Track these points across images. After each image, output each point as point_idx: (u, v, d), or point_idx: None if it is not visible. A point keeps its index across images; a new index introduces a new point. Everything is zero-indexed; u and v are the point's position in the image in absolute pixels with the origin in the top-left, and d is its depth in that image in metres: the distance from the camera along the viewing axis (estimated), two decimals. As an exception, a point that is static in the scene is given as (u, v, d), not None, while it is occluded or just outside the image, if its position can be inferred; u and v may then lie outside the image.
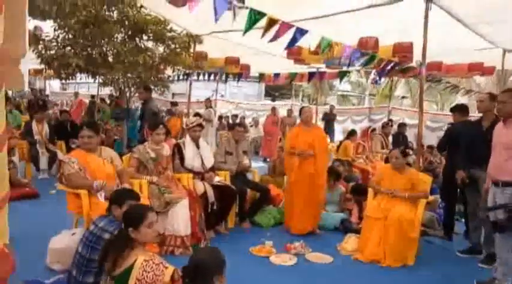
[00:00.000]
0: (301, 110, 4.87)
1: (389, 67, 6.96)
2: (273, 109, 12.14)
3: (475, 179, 3.98)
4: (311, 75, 10.71)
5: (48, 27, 7.14)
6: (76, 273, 2.62)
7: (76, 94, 16.13)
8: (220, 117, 13.90)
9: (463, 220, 5.39)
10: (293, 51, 7.16)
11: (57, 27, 6.72)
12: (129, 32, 6.99)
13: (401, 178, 4.12)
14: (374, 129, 8.31)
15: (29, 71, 12.77)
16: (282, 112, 13.31)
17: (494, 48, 7.15)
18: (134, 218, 2.27)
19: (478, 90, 13.19)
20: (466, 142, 4.15)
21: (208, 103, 10.74)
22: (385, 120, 11.26)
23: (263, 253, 3.88)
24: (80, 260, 2.64)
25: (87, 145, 3.53)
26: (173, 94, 18.25)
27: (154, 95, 7.78)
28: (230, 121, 14.47)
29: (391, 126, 8.88)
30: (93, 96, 14.90)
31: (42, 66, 7.07)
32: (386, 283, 3.47)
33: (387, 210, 3.96)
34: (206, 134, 9.25)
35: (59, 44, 6.80)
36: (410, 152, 7.37)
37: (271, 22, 4.29)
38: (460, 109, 4.84)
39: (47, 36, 6.91)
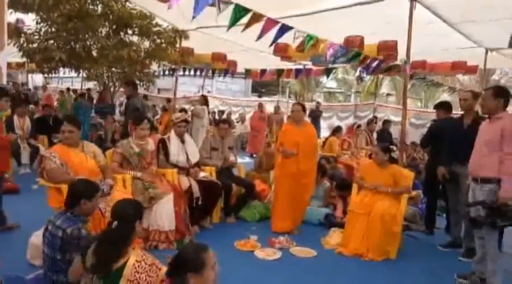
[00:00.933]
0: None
1: (374, 65, 7.03)
2: (260, 105, 12.15)
3: (455, 175, 4.06)
4: (298, 72, 10.76)
5: (30, 20, 7.00)
6: (49, 272, 2.59)
7: (44, 88, 15.83)
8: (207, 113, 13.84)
9: (444, 215, 5.51)
10: (280, 47, 7.18)
11: (39, 20, 6.60)
12: (114, 26, 6.92)
13: (384, 174, 4.18)
14: (359, 126, 8.38)
15: (11, 64, 12.51)
16: (269, 109, 13.34)
17: (477, 47, 7.29)
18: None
19: (461, 88, 13.42)
20: (447, 139, 4.22)
21: (203, 100, 10.44)
22: (371, 116, 11.37)
23: (248, 248, 3.89)
24: (46, 260, 2.59)
25: (68, 140, 3.48)
26: (159, 90, 18.13)
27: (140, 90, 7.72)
28: (217, 117, 14.44)
29: (376, 122, 8.99)
30: (68, 89, 14.75)
31: (24, 59, 6.94)
32: (369, 276, 3.52)
33: (371, 205, 4.02)
34: (199, 131, 9.18)
35: (42, 37, 6.69)
36: (394, 148, 7.49)
37: (256, 18, 4.29)
38: (444, 107, 4.92)
39: (29, 29, 6.78)
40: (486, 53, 7.50)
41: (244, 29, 4.33)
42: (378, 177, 4.18)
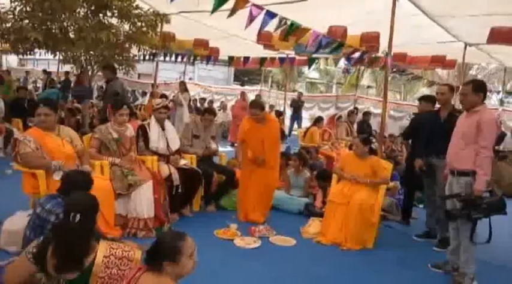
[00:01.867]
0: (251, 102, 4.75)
1: (357, 55, 7.07)
2: (243, 93, 12.07)
3: (432, 167, 4.14)
4: (281, 61, 10.71)
5: (4, -1, 6.69)
6: None
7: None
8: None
9: (421, 205, 5.64)
10: (263, 36, 7.11)
11: (13, -1, 6.31)
12: (92, 7, 6.68)
13: (363, 165, 4.23)
14: (340, 117, 8.45)
15: (-17, 44, 11.91)
16: (251, 97, 13.27)
17: (456, 42, 7.41)
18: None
19: (439, 82, 13.67)
20: (424, 132, 4.30)
21: (183, 86, 10.24)
22: (351, 108, 11.49)
23: (227, 236, 3.89)
24: (28, 244, 2.53)
25: (43, 124, 3.37)
26: (139, 75, 17.77)
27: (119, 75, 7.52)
28: (198, 104, 14.30)
29: (357, 114, 9.08)
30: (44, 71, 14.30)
31: (-2, 39, 6.66)
32: (346, 264, 3.58)
33: (349, 195, 4.06)
34: (182, 118, 9.07)
35: (16, 17, 6.40)
36: (374, 140, 7.59)
37: (240, 3, 4.21)
38: (427, 99, 4.95)
39: (2, 7, 6.48)
40: (465, 47, 7.63)
41: (229, 15, 4.25)
42: (357, 167, 4.23)
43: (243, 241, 3.79)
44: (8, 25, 6.34)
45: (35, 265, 2.02)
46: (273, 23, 4.82)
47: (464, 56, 7.76)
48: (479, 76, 19.90)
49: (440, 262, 3.59)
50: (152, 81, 9.38)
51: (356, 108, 11.47)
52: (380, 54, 7.96)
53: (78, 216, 2.05)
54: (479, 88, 3.31)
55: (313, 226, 4.28)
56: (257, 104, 4.54)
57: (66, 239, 2.01)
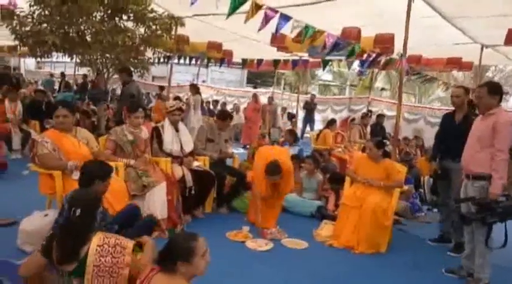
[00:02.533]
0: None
1: (371, 59, 7.03)
2: (255, 96, 12.09)
3: (447, 170, 4.08)
4: (294, 63, 10.71)
5: (23, 3, 6.86)
6: None
7: None
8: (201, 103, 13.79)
9: (435, 209, 5.57)
10: (277, 38, 7.14)
11: (32, 3, 6.46)
12: (109, 11, 6.80)
13: (376, 168, 4.19)
14: (353, 119, 8.41)
15: (3, 47, 12.29)
16: (264, 100, 13.30)
17: (472, 43, 7.30)
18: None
19: (455, 84, 13.48)
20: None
21: (194, 89, 10.31)
22: (365, 110, 11.40)
23: (239, 238, 3.90)
24: None
25: (62, 125, 3.44)
26: (153, 78, 17.98)
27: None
28: (211, 107, 14.38)
29: (370, 116, 9.01)
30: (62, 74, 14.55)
31: (17, 42, 6.82)
32: (359, 268, 3.55)
33: (363, 198, 4.03)
34: (191, 121, 9.13)
35: (35, 21, 6.56)
36: (388, 143, 7.53)
37: (256, 7, 4.24)
38: None
39: (21, 11, 6.64)
40: (482, 49, 7.52)
41: (246, 20, 4.28)
42: (371, 171, 4.20)
43: (254, 244, 3.80)
44: (27, 29, 6.49)
45: (44, 258, 2.12)
46: (288, 26, 4.83)
47: (481, 57, 7.64)
48: (496, 78, 19.57)
49: (454, 266, 3.54)
50: (166, 84, 9.47)
51: (370, 111, 11.38)
52: (394, 56, 7.90)
53: (78, 211, 2.14)
54: (494, 90, 3.26)
55: (325, 229, 4.26)
56: (275, 170, 4.02)
57: (66, 232, 2.13)
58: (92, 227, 2.18)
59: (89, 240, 2.11)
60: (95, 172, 2.75)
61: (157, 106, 9.96)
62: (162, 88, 13.32)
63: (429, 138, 5.70)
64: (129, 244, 2.15)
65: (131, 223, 3.02)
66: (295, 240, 3.99)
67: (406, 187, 4.66)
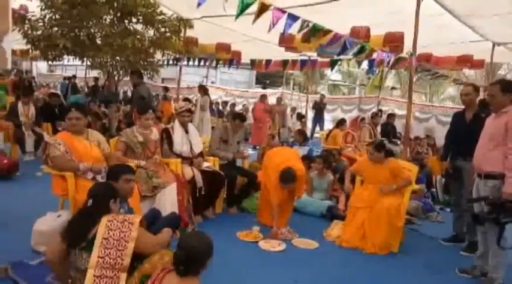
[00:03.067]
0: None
1: (380, 58, 6.97)
2: (263, 96, 12.09)
3: (458, 170, 4.04)
4: (303, 63, 10.70)
5: (34, 7, 6.97)
6: None
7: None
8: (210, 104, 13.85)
9: (448, 209, 5.51)
10: (285, 38, 7.14)
11: (43, 7, 6.55)
12: (118, 14, 6.87)
13: (382, 169, 4.12)
14: (363, 119, 8.35)
15: (16, 51, 12.44)
16: (273, 100, 13.29)
17: (483, 41, 7.22)
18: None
19: (466, 81, 13.31)
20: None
21: (202, 90, 10.33)
22: (375, 110, 11.32)
23: (250, 238, 3.90)
24: None
25: (74, 127, 3.48)
26: (163, 79, 18.09)
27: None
28: (220, 108, 14.42)
29: (380, 116, 8.94)
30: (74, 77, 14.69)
31: (29, 46, 6.92)
32: (370, 269, 3.53)
33: (373, 198, 4.00)
34: (202, 122, 9.16)
35: (46, 24, 6.65)
36: (398, 142, 7.47)
37: (263, 7, 4.25)
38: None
39: (33, 15, 6.74)
40: (493, 47, 7.42)
41: (254, 21, 4.28)
42: (376, 172, 4.12)
43: (268, 244, 3.79)
44: (38, 32, 6.59)
45: (63, 242, 2.28)
46: (296, 26, 4.82)
47: (493, 55, 7.54)
48: (508, 76, 19.28)
49: (468, 266, 3.50)
50: (175, 86, 9.53)
51: (380, 110, 11.30)
52: (404, 54, 7.84)
53: (90, 201, 2.35)
54: (507, 88, 3.21)
55: (336, 229, 4.24)
56: (290, 179, 3.96)
57: (78, 216, 2.38)
58: (101, 215, 2.28)
59: (97, 224, 2.23)
60: (108, 174, 2.90)
61: (162, 106, 10.01)
62: (166, 89, 13.41)
63: (441, 137, 5.65)
64: (136, 219, 2.28)
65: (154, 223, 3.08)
66: (306, 240, 3.98)
67: (417, 187, 4.62)
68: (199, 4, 3.97)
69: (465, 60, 8.84)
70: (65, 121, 3.58)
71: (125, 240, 2.16)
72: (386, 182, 4.07)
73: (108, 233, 2.16)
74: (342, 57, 8.18)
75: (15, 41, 8.27)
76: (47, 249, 2.43)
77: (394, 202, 3.91)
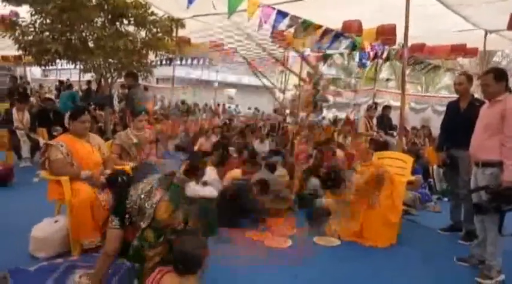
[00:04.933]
0: None
1: (373, 52, 6.98)
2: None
3: (454, 159, 4.05)
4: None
5: (24, 13, 6.92)
6: None
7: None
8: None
9: (445, 198, 5.54)
10: (277, 34, 7.12)
11: (33, 12, 6.51)
12: (109, 16, 6.83)
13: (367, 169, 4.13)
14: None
15: (9, 57, 12.35)
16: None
17: (476, 29, 7.22)
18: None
19: (461, 70, 13.32)
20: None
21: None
22: (370, 102, 11.31)
23: (259, 237, 3.88)
24: None
25: (85, 130, 3.47)
26: (157, 80, 18.06)
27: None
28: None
29: (376, 108, 8.94)
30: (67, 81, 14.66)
31: (21, 52, 6.88)
32: (369, 260, 3.53)
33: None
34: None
35: (37, 30, 6.60)
36: (394, 133, 7.48)
37: (252, 4, 4.24)
38: None
39: (23, 21, 6.70)
40: (486, 35, 7.42)
41: (249, 19, 4.29)
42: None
43: (273, 241, 3.80)
44: (29, 38, 6.54)
45: (121, 229, 2.47)
46: (286, 22, 4.82)
47: (485, 43, 7.54)
48: (503, 63, 19.29)
49: (466, 255, 3.51)
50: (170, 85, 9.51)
51: (375, 103, 11.29)
52: (397, 46, 7.83)
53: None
54: (500, 76, 3.21)
55: (334, 224, 4.24)
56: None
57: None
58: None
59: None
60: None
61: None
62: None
63: (437, 127, 5.64)
64: None
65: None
66: (328, 238, 3.95)
67: (413, 178, 4.63)
68: (190, 1, 3.95)
69: (459, 49, 8.81)
70: (73, 124, 3.45)
71: None
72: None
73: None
74: (334, 51, 8.18)
75: (8, 46, 8.23)
76: (106, 245, 2.52)
77: (388, 200, 3.89)
